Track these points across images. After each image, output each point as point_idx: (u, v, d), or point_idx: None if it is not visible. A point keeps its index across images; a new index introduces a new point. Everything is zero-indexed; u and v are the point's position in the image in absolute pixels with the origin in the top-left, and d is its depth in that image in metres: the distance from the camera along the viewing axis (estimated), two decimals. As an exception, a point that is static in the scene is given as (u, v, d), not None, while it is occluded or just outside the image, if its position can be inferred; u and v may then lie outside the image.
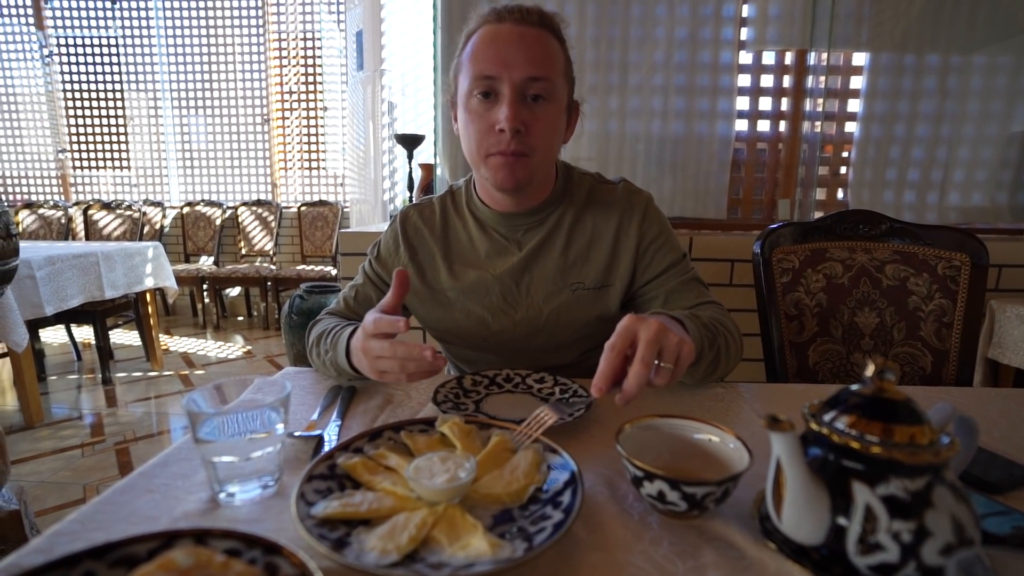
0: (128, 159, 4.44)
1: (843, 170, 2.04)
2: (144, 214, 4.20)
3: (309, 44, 4.23)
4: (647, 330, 0.52)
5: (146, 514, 0.45)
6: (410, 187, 2.01)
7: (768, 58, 1.98)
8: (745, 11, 1.91)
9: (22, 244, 2.19)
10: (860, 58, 1.95)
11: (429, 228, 0.89)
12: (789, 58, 1.98)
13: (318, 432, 0.59)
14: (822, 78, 1.96)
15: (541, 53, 0.73)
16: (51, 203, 4.29)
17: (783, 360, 1.12)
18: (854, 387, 0.41)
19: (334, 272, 3.84)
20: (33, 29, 4.25)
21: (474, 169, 0.82)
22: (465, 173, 1.92)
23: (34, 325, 2.41)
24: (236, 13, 4.19)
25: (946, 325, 1.07)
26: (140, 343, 2.99)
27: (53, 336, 3.55)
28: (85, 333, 3.58)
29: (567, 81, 0.79)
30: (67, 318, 2.61)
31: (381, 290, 0.89)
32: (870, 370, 0.40)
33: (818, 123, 1.98)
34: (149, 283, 2.81)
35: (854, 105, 1.97)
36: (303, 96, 4.31)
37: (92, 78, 4.34)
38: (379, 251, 0.91)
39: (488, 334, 0.86)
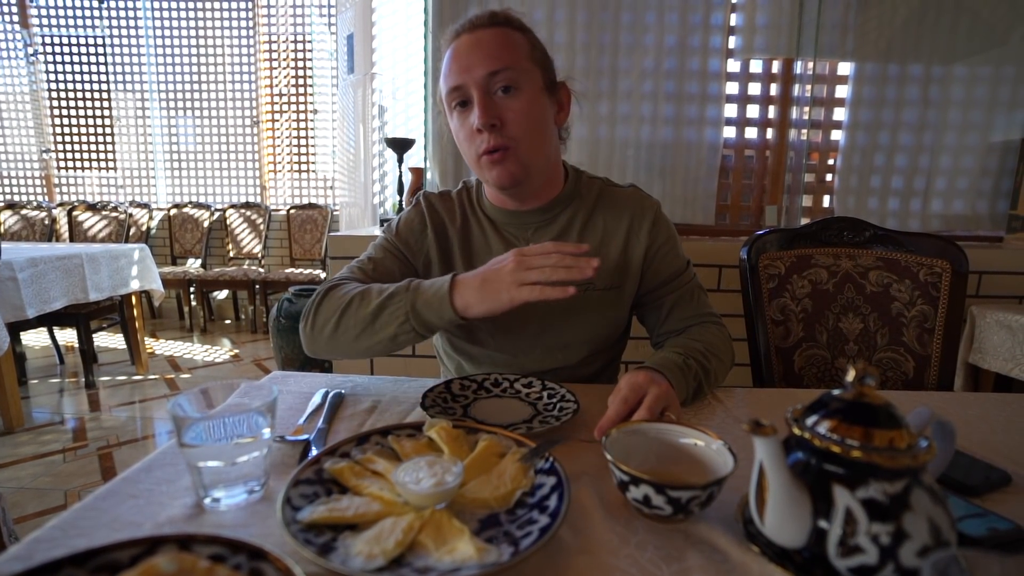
0: (114, 160, 4.39)
1: (829, 177, 2.07)
2: (130, 216, 4.15)
3: (299, 46, 4.21)
4: (657, 387, 0.60)
5: (129, 520, 0.45)
6: (400, 191, 2.01)
7: (756, 66, 2.01)
8: (733, 20, 1.94)
9: (4, 245, 2.16)
10: (845, 67, 1.98)
11: (450, 219, 0.89)
12: (776, 66, 2.01)
13: (305, 436, 0.59)
14: (808, 86, 1.99)
15: (496, 47, 0.75)
16: (34, 204, 4.22)
17: (769, 365, 1.13)
18: (836, 392, 0.42)
19: (323, 275, 3.82)
20: (18, 28, 4.19)
21: (475, 172, 0.83)
22: (455, 177, 1.93)
23: (15, 328, 2.37)
24: (226, 14, 4.16)
25: (928, 331, 1.09)
26: (125, 346, 2.95)
27: (35, 339, 3.49)
28: (68, 336, 3.53)
29: (537, 64, 0.78)
30: (50, 321, 2.57)
31: (402, 262, 0.85)
32: (851, 375, 0.41)
33: (804, 131, 2.01)
34: (135, 285, 2.77)
35: (840, 113, 2.00)
36: (293, 98, 4.29)
37: (78, 78, 4.29)
38: (399, 227, 0.88)
39: (495, 330, 0.86)
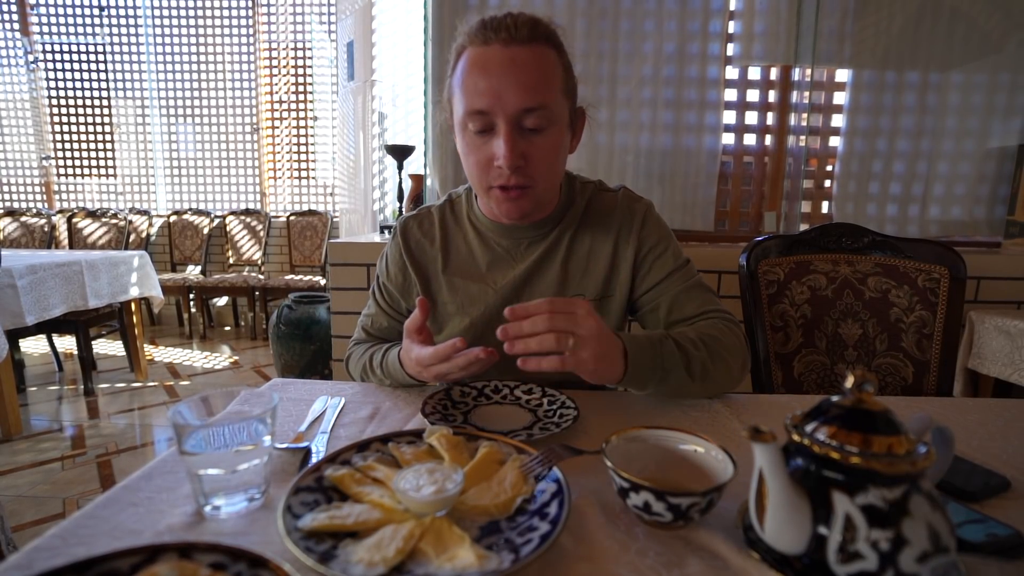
0: (114, 167, 4.40)
1: (827, 183, 2.08)
2: (130, 222, 4.16)
3: (300, 54, 4.24)
4: (585, 316, 0.59)
5: (129, 528, 0.45)
6: (400, 197, 2.01)
7: (754, 73, 2.03)
8: (731, 27, 1.96)
9: (3, 252, 2.16)
10: (843, 74, 2.00)
11: (429, 240, 0.88)
12: (774, 73, 2.02)
13: (305, 444, 0.59)
14: (806, 93, 2.00)
15: (535, 77, 0.68)
16: (34, 211, 4.23)
17: (769, 371, 1.13)
18: (835, 398, 0.42)
19: (323, 282, 3.82)
20: (18, 35, 4.21)
21: (478, 194, 0.82)
22: (455, 183, 1.94)
23: (14, 335, 2.37)
24: (226, 21, 4.19)
25: (927, 336, 1.09)
26: (124, 353, 2.94)
27: (34, 346, 3.49)
28: (67, 343, 3.52)
29: (567, 96, 0.74)
30: (49, 328, 2.56)
31: (392, 317, 0.90)
32: (850, 381, 0.41)
33: (803, 137, 2.02)
34: (134, 292, 2.77)
35: (838, 120, 2.02)
36: (293, 105, 4.31)
37: (78, 85, 4.31)
38: (387, 267, 0.90)
39: (487, 345, 0.86)
